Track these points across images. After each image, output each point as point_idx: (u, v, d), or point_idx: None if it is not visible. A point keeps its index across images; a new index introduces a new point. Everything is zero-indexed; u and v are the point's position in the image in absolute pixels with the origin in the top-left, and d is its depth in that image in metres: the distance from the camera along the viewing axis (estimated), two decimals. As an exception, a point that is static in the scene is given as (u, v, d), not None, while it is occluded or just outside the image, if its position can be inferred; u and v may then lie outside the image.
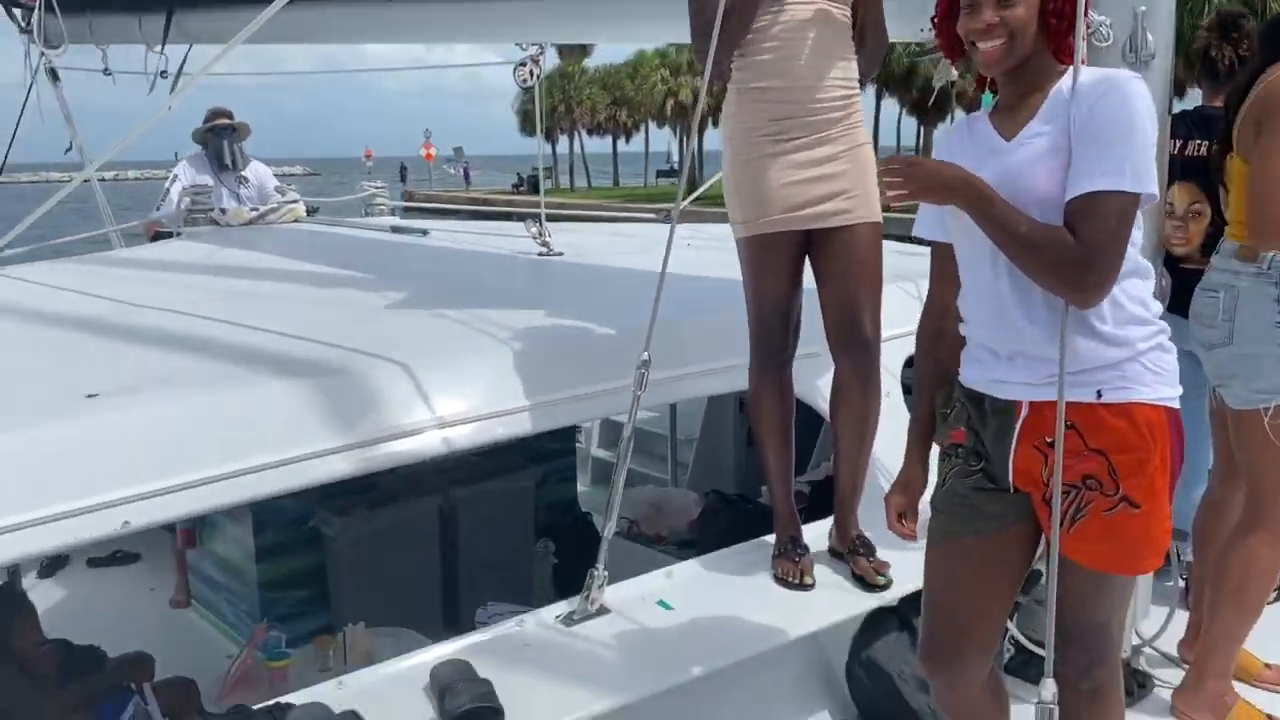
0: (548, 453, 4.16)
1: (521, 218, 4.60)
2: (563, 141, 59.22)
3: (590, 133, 57.66)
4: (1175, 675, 2.80)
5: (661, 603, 2.54)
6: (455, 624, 3.47)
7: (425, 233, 5.09)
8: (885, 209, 2.67)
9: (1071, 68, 1.85)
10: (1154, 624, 2.87)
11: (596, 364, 2.91)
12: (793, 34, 2.51)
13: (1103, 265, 1.76)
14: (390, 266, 4.39)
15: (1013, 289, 1.87)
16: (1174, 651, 2.94)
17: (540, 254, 4.20)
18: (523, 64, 3.83)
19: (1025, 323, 1.87)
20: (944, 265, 2.08)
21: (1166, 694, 2.75)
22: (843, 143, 2.59)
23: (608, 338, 3.04)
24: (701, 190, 4.23)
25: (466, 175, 52.47)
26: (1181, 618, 2.93)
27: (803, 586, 2.63)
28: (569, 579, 3.88)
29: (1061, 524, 1.85)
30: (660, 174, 56.19)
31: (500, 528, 3.78)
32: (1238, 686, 2.72)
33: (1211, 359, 2.65)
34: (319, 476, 2.39)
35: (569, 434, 4.44)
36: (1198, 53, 3.39)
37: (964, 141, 1.97)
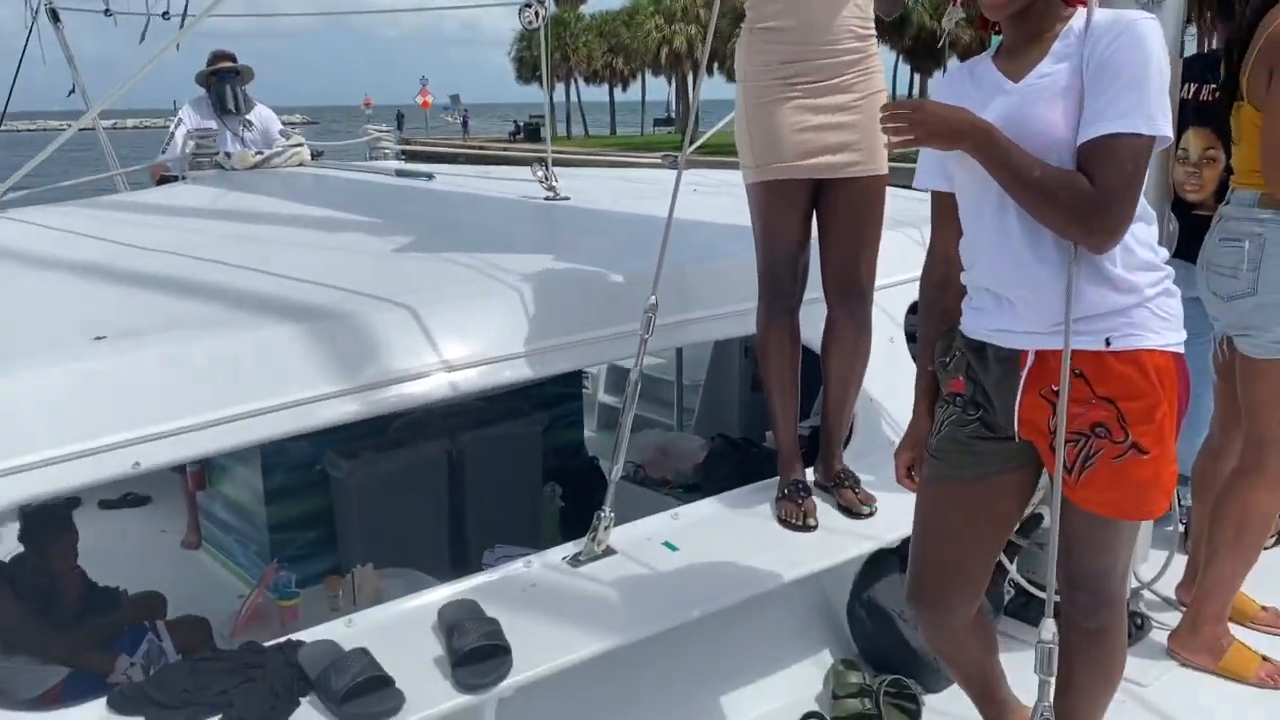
0: (555, 397, 4.18)
1: (525, 164, 4.57)
2: (560, 91, 58.88)
3: (587, 81, 57.24)
4: (1173, 618, 2.84)
5: (667, 544, 2.57)
6: (463, 566, 3.51)
7: (431, 177, 5.06)
8: (889, 156, 2.65)
9: (1083, 8, 1.82)
10: (1153, 567, 2.90)
11: (603, 308, 2.91)
12: None
13: (1119, 210, 1.75)
14: (395, 210, 4.38)
15: (1022, 231, 1.85)
16: (1172, 594, 2.98)
17: (546, 198, 4.18)
18: (528, 5, 3.79)
19: (1035, 264, 1.84)
20: (945, 215, 2.06)
21: (1164, 636, 2.79)
22: (857, 90, 2.55)
23: (614, 282, 3.04)
24: (707, 136, 4.18)
25: (465, 123, 52.18)
26: (1180, 561, 2.96)
27: (805, 528, 2.66)
28: (576, 523, 3.92)
29: (1070, 472, 1.86)
30: (658, 122, 55.72)
31: (508, 472, 3.81)
32: (1234, 629, 2.76)
33: (1232, 309, 2.63)
34: (327, 419, 2.41)
35: (576, 379, 4.45)
36: None
37: (966, 84, 1.94)
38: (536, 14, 3.79)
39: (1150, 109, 1.74)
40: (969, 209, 1.97)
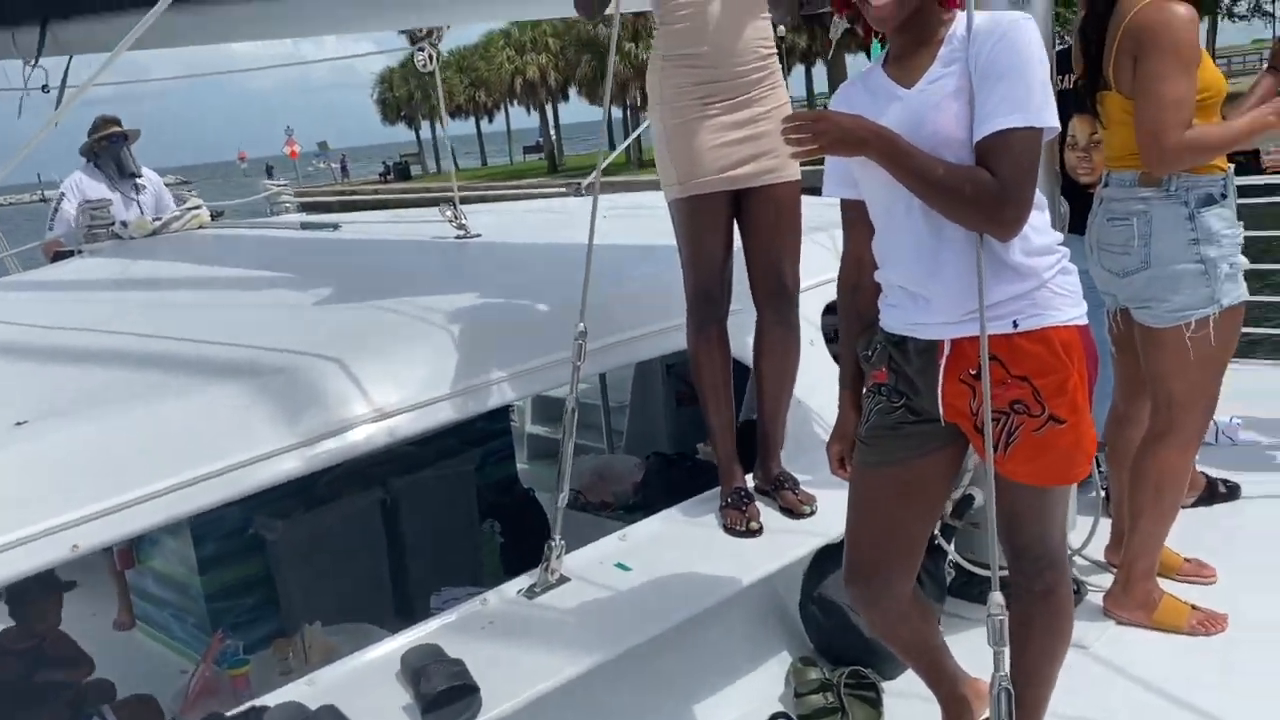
0: (484, 433, 4.18)
1: (418, 205, 4.57)
2: (439, 124, 58.87)
3: (453, 116, 57.56)
4: (1105, 580, 2.97)
5: (620, 565, 2.60)
6: (409, 614, 3.49)
7: (336, 227, 5.03)
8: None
9: (962, 13, 1.93)
10: (1081, 534, 3.03)
11: (528, 341, 2.94)
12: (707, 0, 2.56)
13: (1020, 198, 1.86)
14: (307, 263, 4.33)
15: (929, 229, 1.95)
16: (1101, 558, 3.12)
17: (458, 237, 4.19)
18: (420, 49, 3.82)
19: (944, 259, 1.95)
20: (856, 220, 2.16)
21: (1098, 598, 2.91)
22: (765, 103, 2.68)
23: (536, 314, 3.08)
24: (613, 156, 4.26)
25: (344, 168, 51.93)
26: (1105, 525, 3.10)
27: (751, 533, 2.73)
28: (518, 557, 3.92)
29: (997, 448, 1.96)
30: (527, 150, 56.11)
31: (444, 513, 3.80)
32: (1162, 582, 2.89)
33: (1127, 285, 2.76)
34: (267, 479, 2.39)
35: (504, 413, 4.45)
36: None
37: (861, 94, 2.04)
38: (430, 56, 3.83)
39: (1037, 102, 1.86)
40: (877, 212, 2.07)
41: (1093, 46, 2.78)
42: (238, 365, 2.66)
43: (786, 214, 2.77)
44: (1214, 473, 3.51)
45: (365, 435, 2.54)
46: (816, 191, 2.86)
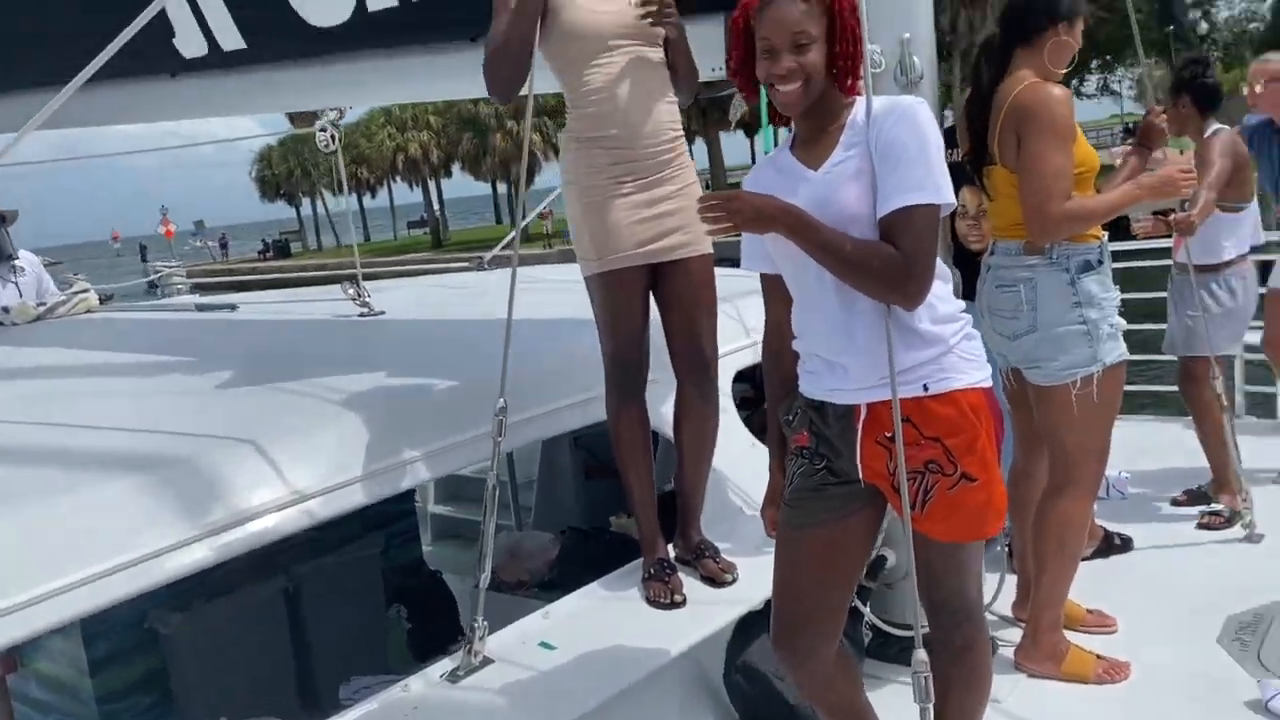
0: (389, 516, 4.09)
1: (300, 283, 4.51)
2: (320, 201, 59.43)
3: (334, 193, 57.84)
4: (1014, 634, 3.06)
5: (544, 644, 2.56)
6: (317, 707, 3.36)
7: (234, 307, 4.92)
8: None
9: (862, 99, 2.05)
10: (988, 591, 3.11)
11: (438, 420, 2.92)
12: (617, 84, 2.64)
13: (922, 271, 1.97)
14: (205, 346, 4.22)
15: (840, 302, 2.04)
16: (1009, 613, 3.21)
17: (361, 315, 4.14)
18: (323, 129, 3.82)
19: (856, 329, 2.03)
20: (773, 292, 2.25)
21: (1009, 652, 2.99)
22: (675, 182, 2.76)
23: (445, 392, 3.05)
24: (513, 234, 4.27)
25: (224, 246, 51.31)
26: (1011, 580, 3.20)
27: (675, 605, 2.72)
28: (425, 642, 3.82)
29: (914, 507, 2.02)
30: (411, 224, 56.28)
31: (349, 600, 3.69)
32: (1068, 634, 2.98)
33: (1017, 347, 2.90)
34: (162, 576, 2.30)
35: (409, 494, 4.37)
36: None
37: (772, 175, 2.14)
38: (333, 137, 3.83)
39: (935, 180, 1.98)
40: (792, 285, 2.16)
41: (977, 124, 2.95)
42: (135, 456, 2.57)
43: (701, 286, 2.83)
44: (1107, 525, 3.67)
45: (270, 523, 2.47)
46: (725, 263, 2.95)
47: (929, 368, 2.03)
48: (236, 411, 2.98)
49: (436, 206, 53.08)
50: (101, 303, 5.28)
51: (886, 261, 1.95)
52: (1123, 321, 2.92)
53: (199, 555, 2.34)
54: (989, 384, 2.10)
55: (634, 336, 2.78)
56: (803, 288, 2.11)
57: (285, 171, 56.13)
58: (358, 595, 3.72)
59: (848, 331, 2.04)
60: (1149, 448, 4.46)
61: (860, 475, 2.09)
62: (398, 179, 53.58)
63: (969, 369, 2.06)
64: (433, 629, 4.04)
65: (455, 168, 50.37)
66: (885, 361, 1.99)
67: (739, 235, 2.20)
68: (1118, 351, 2.86)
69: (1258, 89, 4.12)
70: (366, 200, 58.98)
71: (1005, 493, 2.11)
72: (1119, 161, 3.15)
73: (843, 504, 2.13)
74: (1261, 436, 4.51)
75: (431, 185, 52.28)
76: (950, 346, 2.05)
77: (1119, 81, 47.53)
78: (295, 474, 2.57)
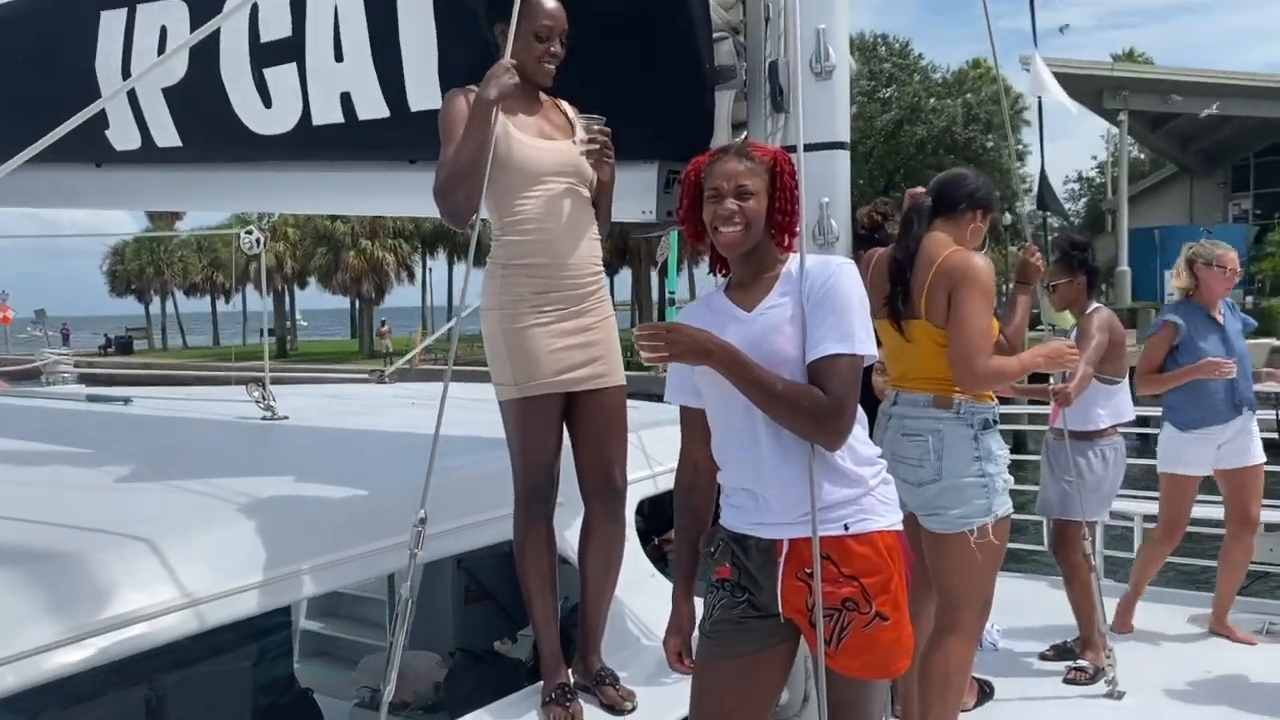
0: (262, 629, 3.93)
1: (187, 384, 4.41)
2: (170, 300, 59.45)
3: (187, 294, 57.91)
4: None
5: None
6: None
7: (128, 401, 4.74)
8: (629, 368, 2.92)
9: (795, 255, 2.23)
10: None
11: (328, 534, 2.88)
12: (548, 216, 2.74)
13: (846, 413, 2.11)
14: (99, 439, 4.05)
15: (768, 436, 2.16)
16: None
17: (264, 418, 4.07)
18: (249, 231, 3.82)
19: (782, 464, 2.15)
20: (693, 426, 2.36)
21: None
22: (596, 314, 2.85)
23: (338, 505, 3.01)
24: (413, 354, 4.31)
25: (66, 337, 50.10)
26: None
27: None
28: (295, 764, 3.64)
29: (830, 642, 2.11)
30: (270, 332, 55.84)
31: (216, 715, 3.50)
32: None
33: (920, 494, 3.06)
34: (16, 684, 2.17)
35: (284, 608, 4.22)
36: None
37: (705, 313, 2.28)
38: (258, 240, 3.84)
39: (859, 335, 2.15)
40: (718, 418, 2.26)
41: (895, 281, 3.16)
42: (13, 548, 2.44)
43: (615, 416, 2.90)
44: (976, 675, 3.80)
45: (142, 630, 2.36)
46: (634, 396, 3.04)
47: (850, 508, 2.15)
48: (121, 508, 2.87)
49: (289, 317, 52.84)
50: None
51: (816, 402, 2.08)
52: (1010, 478, 3.13)
53: (60, 660, 2.22)
54: (901, 528, 2.22)
55: (547, 462, 2.83)
56: (728, 422, 2.22)
57: (137, 268, 55.72)
58: (224, 711, 3.53)
59: (773, 466, 2.15)
60: (1018, 603, 4.67)
61: (780, 609, 2.16)
62: (249, 286, 53.79)
63: (886, 512, 2.19)
64: (301, 750, 3.85)
65: (312, 280, 50.58)
66: (808, 497, 2.10)
67: (651, 369, 2.30)
68: (1007, 505, 3.06)
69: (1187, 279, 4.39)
70: (222, 305, 58.55)
71: (912, 632, 2.22)
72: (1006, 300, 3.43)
73: (763, 637, 2.20)
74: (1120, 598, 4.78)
75: (285, 295, 52.09)
76: (870, 488, 2.18)
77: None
78: (182, 577, 2.49)
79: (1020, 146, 31.49)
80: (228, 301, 57.98)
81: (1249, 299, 23.96)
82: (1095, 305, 4.20)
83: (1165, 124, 28.80)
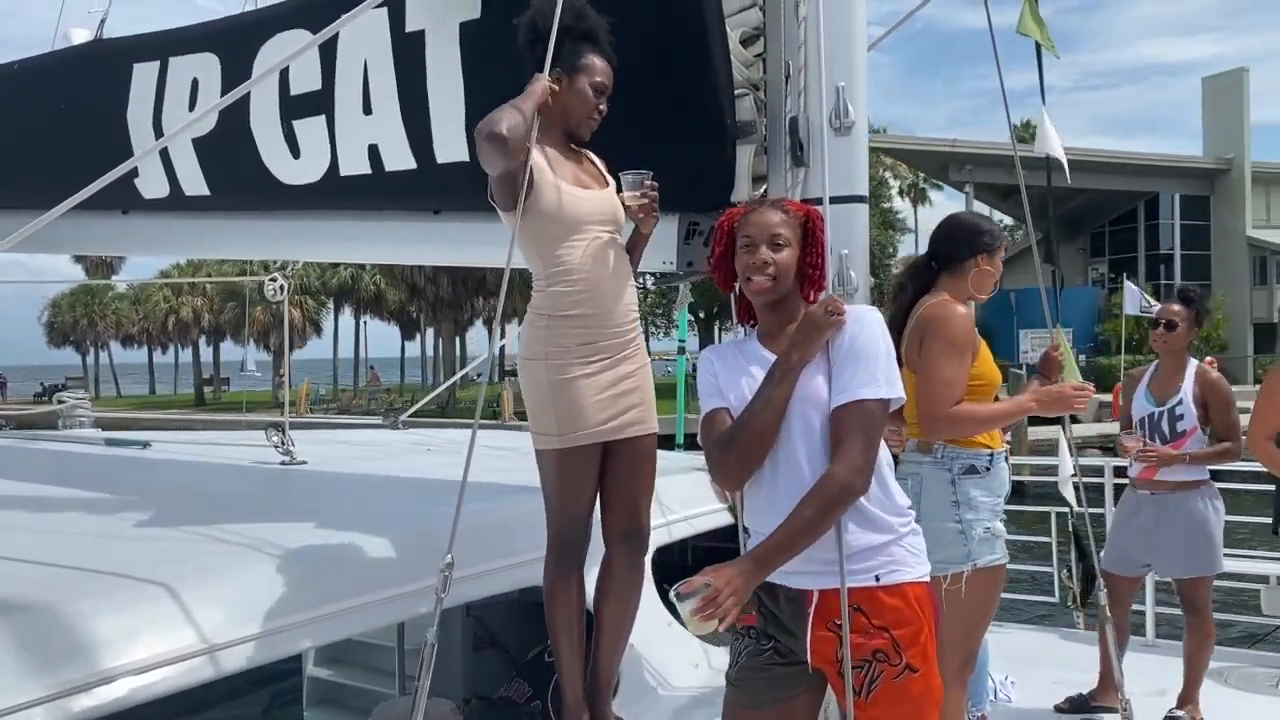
0: (273, 675, 3.91)
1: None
2: (105, 352, 61.88)
3: (124, 345, 59.80)
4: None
5: None
6: None
7: (146, 445, 4.75)
8: None
9: None
10: None
11: (359, 575, 2.89)
12: (592, 265, 2.76)
13: (870, 454, 2.16)
14: (116, 482, 4.05)
15: (800, 484, 2.17)
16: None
17: (283, 463, 4.08)
18: (273, 278, 3.87)
19: None
20: None
21: None
22: (635, 361, 2.88)
23: (356, 551, 3.02)
24: (429, 397, 4.34)
25: (3, 386, 51.35)
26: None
27: None
28: (305, 816, 3.60)
29: (860, 693, 2.12)
30: (206, 382, 56.93)
31: (225, 763, 3.47)
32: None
33: None
34: None
35: (295, 655, 4.20)
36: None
37: (735, 355, 2.35)
38: (281, 287, 3.89)
39: (889, 378, 2.20)
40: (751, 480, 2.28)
41: (896, 332, 3.21)
42: (15, 598, 2.45)
43: (647, 461, 2.92)
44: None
45: (154, 678, 2.37)
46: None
47: (880, 557, 2.17)
48: (140, 553, 2.88)
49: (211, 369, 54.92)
50: None
51: (840, 489, 2.12)
52: (1001, 528, 3.11)
53: (72, 707, 2.22)
54: (928, 579, 2.24)
55: (583, 511, 2.83)
56: (761, 475, 2.25)
57: (73, 320, 56.88)
58: (233, 759, 3.50)
59: None
60: (1032, 656, 4.65)
61: (808, 659, 2.17)
62: (169, 339, 55.46)
63: (915, 563, 2.21)
64: (309, 801, 3.82)
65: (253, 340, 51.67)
66: (836, 545, 2.12)
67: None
68: (991, 556, 3.03)
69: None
70: (159, 355, 61.30)
71: (940, 684, 2.22)
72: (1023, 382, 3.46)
73: (789, 685, 2.21)
74: (1133, 652, 4.76)
75: (207, 347, 54.46)
76: (899, 536, 2.21)
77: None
78: (195, 624, 2.49)
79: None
80: (164, 352, 59.75)
81: (1083, 359, 24.29)
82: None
83: (1015, 194, 29.91)
